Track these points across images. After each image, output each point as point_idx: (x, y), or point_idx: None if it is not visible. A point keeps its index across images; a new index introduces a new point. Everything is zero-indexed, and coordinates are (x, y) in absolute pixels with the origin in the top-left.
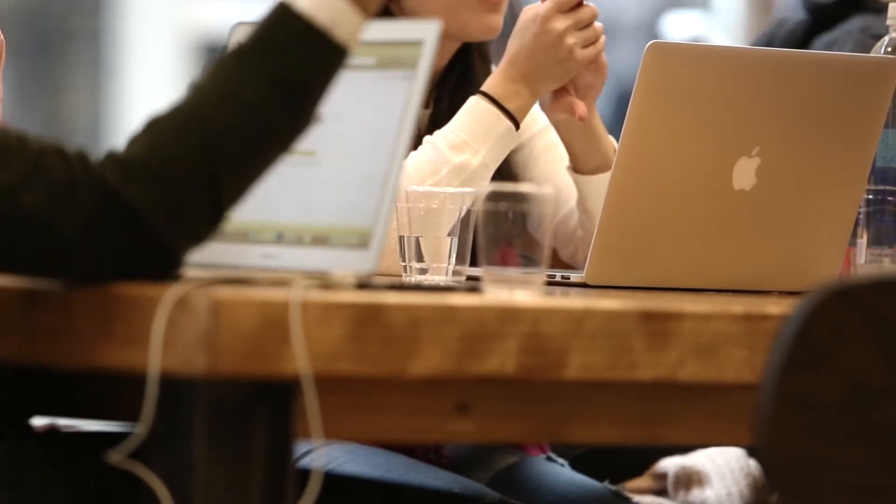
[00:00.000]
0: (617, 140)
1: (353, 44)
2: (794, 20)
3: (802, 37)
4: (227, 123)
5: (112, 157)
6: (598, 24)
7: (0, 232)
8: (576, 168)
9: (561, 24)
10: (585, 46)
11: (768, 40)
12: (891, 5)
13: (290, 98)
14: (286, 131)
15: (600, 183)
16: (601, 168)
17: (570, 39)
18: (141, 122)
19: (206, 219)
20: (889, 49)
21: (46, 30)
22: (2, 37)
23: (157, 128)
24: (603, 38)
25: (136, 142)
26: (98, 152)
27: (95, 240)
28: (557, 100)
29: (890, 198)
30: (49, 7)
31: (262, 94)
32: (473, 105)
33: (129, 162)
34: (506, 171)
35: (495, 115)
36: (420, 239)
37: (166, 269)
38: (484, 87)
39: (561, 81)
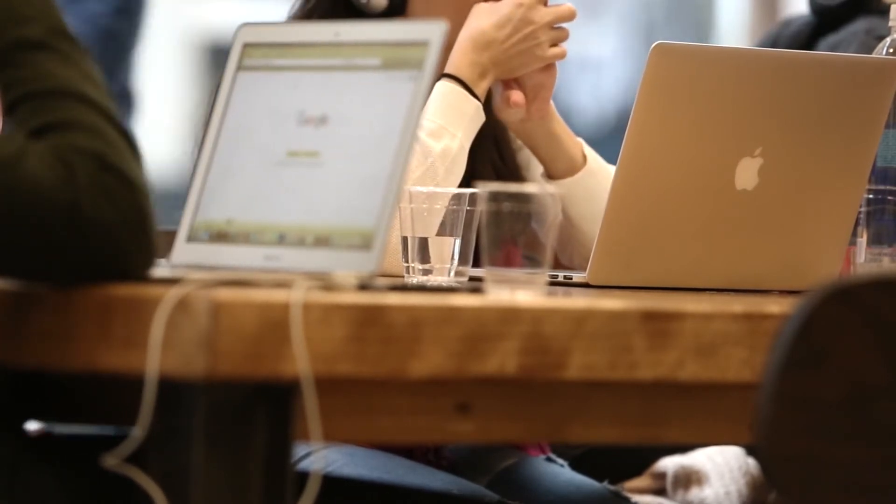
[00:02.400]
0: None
1: None
2: (800, 21)
3: (807, 38)
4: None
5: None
6: (566, 27)
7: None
8: (547, 174)
9: (542, 16)
10: (551, 46)
11: (773, 41)
12: (893, 7)
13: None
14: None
15: (569, 187)
16: (569, 172)
17: (544, 35)
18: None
19: (133, 141)
20: (890, 50)
21: None
22: None
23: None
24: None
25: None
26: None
27: (100, 204)
28: (503, 92)
29: (890, 197)
30: None
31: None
32: (443, 89)
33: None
34: (508, 172)
35: (464, 96)
36: (422, 239)
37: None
38: (451, 69)
39: (517, 72)
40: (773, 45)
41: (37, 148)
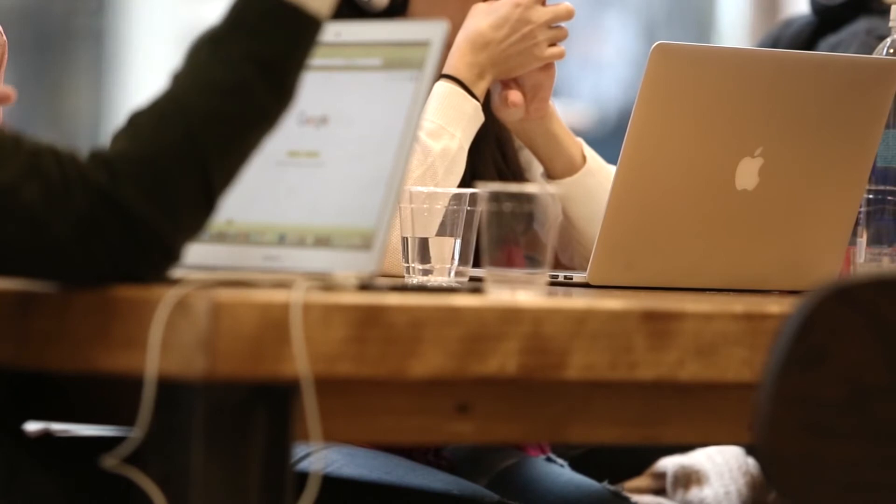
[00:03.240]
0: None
1: (325, 13)
2: (801, 21)
3: (808, 38)
4: (208, 109)
5: (98, 156)
6: (564, 26)
7: None
8: (547, 174)
9: (540, 15)
10: (549, 45)
11: (774, 41)
12: (893, 7)
13: (268, 76)
14: (269, 109)
15: (568, 186)
16: (568, 171)
17: (542, 34)
18: (124, 118)
19: (199, 207)
20: (891, 50)
21: (49, 30)
22: (4, 38)
23: (140, 121)
24: (563, 46)
25: (119, 138)
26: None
27: (90, 241)
28: (501, 92)
29: (890, 197)
30: (51, 7)
31: (241, 76)
32: (441, 90)
33: (115, 159)
34: (511, 173)
35: (462, 96)
36: (422, 239)
37: (165, 264)
38: (449, 70)
39: (515, 72)
40: (775, 46)
41: (44, 170)
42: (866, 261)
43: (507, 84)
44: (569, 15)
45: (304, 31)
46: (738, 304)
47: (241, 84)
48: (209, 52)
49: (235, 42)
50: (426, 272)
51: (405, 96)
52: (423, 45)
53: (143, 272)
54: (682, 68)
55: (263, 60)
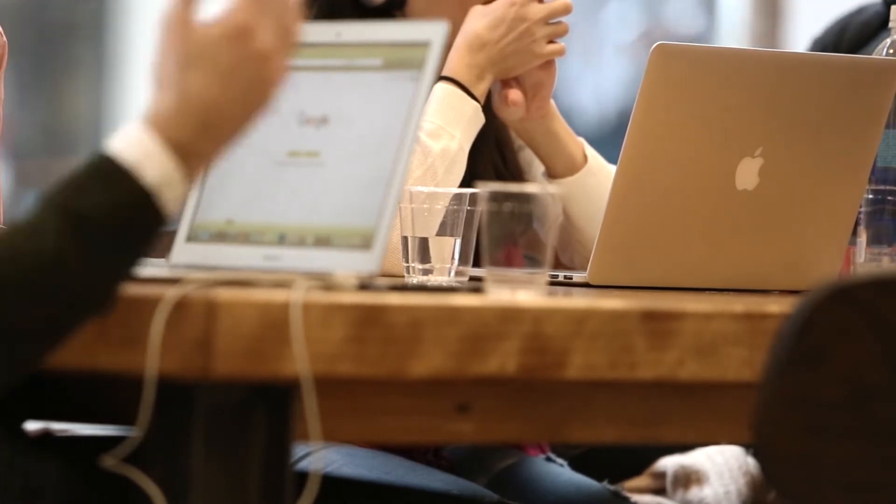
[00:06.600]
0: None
1: (166, 191)
2: (871, 10)
3: (876, 28)
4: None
5: None
6: (564, 21)
7: None
8: (548, 173)
9: (536, 12)
10: (549, 42)
11: (842, 27)
12: (893, 8)
13: (81, 232)
14: (79, 270)
15: (569, 186)
16: (569, 171)
17: (539, 31)
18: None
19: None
20: (891, 51)
21: (49, 29)
22: (4, 38)
23: None
24: (563, 44)
25: None
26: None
27: None
28: (501, 91)
29: (890, 197)
30: (51, 6)
31: (48, 221)
32: (441, 91)
33: None
34: (509, 174)
35: (462, 97)
36: (422, 239)
37: None
38: (448, 72)
39: (515, 71)
40: (842, 32)
41: None
42: (866, 261)
43: (507, 83)
44: (566, 10)
45: (132, 199)
46: (738, 304)
47: (44, 228)
48: (34, 205)
49: (56, 192)
50: (426, 272)
51: (405, 96)
52: (424, 45)
53: None
54: (681, 68)
55: (76, 213)
